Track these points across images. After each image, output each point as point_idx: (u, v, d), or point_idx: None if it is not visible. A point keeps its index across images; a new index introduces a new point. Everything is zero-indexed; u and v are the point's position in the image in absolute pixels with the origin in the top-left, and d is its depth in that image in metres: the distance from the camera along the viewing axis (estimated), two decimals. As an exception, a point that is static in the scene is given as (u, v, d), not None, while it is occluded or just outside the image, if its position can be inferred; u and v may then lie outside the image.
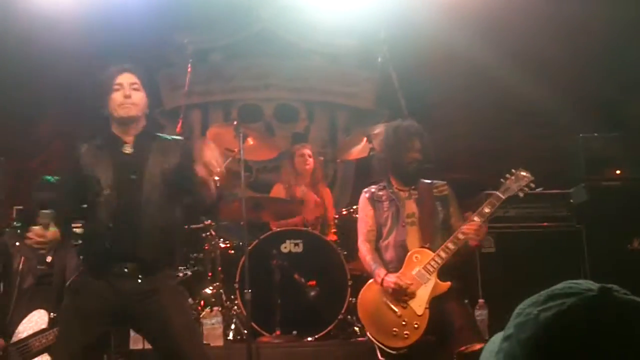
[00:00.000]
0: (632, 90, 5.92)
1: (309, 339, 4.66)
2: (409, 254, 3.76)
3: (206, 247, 5.13)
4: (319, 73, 7.13)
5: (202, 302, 4.88)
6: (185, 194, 3.26)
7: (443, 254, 3.66)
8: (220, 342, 4.46)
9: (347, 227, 5.18)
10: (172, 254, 3.25)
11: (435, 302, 3.64)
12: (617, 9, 5.84)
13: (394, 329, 3.62)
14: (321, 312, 4.74)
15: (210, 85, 7.04)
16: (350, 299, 4.80)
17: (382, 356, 3.68)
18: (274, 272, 4.77)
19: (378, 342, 3.68)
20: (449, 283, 3.67)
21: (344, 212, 5.29)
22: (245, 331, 4.48)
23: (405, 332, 3.61)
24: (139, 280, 3.04)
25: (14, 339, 3.82)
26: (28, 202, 5.12)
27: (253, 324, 4.42)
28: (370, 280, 3.85)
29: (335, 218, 5.33)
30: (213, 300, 4.88)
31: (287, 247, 4.93)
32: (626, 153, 5.40)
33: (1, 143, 5.81)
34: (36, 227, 3.04)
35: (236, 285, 4.74)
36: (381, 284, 3.72)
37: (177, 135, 3.65)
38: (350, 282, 4.79)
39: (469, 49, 6.19)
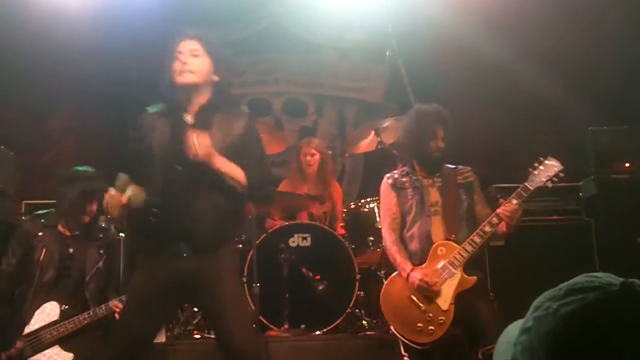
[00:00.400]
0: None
1: (317, 332, 4.67)
2: (433, 246, 3.64)
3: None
4: (328, 67, 7.14)
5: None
6: (246, 170, 3.09)
7: (469, 247, 3.55)
8: (228, 336, 4.45)
9: (356, 221, 5.20)
10: (228, 232, 3.17)
11: (461, 297, 3.54)
12: (627, 1, 5.79)
13: (419, 324, 3.53)
14: (329, 305, 4.75)
15: (219, 80, 7.05)
16: (359, 292, 4.81)
17: (405, 351, 3.60)
18: (282, 266, 4.78)
19: (402, 337, 3.59)
20: (475, 277, 3.57)
21: (352, 206, 5.29)
22: (254, 325, 4.50)
23: (430, 328, 3.51)
24: (196, 257, 3.02)
25: (26, 330, 3.83)
26: (45, 196, 5.15)
27: (261, 317, 4.44)
28: (393, 274, 3.74)
29: (344, 212, 5.33)
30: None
31: (296, 241, 4.94)
32: (635, 146, 5.36)
33: (12, 138, 5.83)
34: (112, 190, 3.02)
35: (244, 280, 4.75)
36: (406, 279, 3.61)
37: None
38: (358, 276, 4.79)
39: (478, 43, 6.16)
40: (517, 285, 4.60)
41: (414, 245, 3.74)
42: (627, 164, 5.31)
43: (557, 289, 1.00)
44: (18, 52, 6.13)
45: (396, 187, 3.87)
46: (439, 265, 3.59)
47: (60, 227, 4.10)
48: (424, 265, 3.63)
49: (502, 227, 3.61)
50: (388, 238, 3.82)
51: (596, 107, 5.91)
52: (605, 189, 5.12)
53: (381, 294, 3.76)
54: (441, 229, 3.70)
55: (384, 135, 5.28)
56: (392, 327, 3.67)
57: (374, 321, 4.86)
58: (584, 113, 5.88)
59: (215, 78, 3.14)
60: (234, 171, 3.06)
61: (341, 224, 5.31)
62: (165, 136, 3.09)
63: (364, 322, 4.85)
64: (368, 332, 4.71)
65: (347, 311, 4.73)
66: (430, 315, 3.55)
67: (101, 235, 4.21)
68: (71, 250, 4.07)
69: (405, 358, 3.62)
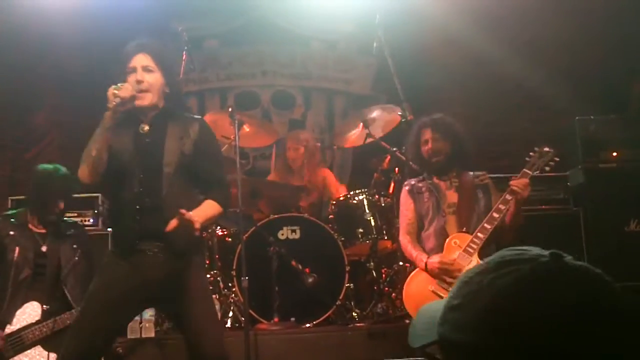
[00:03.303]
0: (632, 72, 5.90)
1: (307, 325, 4.67)
2: (447, 239, 3.82)
3: (203, 235, 5.12)
4: (315, 59, 7.11)
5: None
6: (203, 174, 3.18)
7: (481, 235, 3.70)
8: (218, 330, 4.44)
9: (345, 213, 5.18)
10: (193, 235, 3.10)
11: None
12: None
13: None
14: (319, 298, 4.75)
15: (206, 73, 7.01)
16: (348, 284, 4.81)
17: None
18: (272, 259, 4.77)
19: None
20: None
21: (341, 198, 5.28)
22: (243, 318, 4.49)
23: None
24: (166, 261, 3.03)
25: (7, 331, 3.80)
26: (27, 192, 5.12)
27: (251, 311, 4.43)
28: (412, 273, 3.90)
29: (332, 203, 5.31)
30: (210, 288, 4.87)
31: (285, 233, 4.93)
32: (622, 135, 5.39)
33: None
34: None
35: (233, 273, 4.75)
36: (425, 269, 3.78)
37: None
38: (348, 268, 4.79)
39: (465, 34, 6.15)
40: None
41: (430, 243, 3.93)
42: (614, 153, 5.33)
43: (485, 263, 1.00)
44: (1, 47, 6.07)
45: (413, 192, 4.09)
46: (455, 255, 3.73)
47: (31, 226, 4.08)
48: (441, 254, 3.80)
49: (509, 214, 3.76)
50: (403, 240, 4.06)
51: (585, 97, 5.93)
52: (593, 178, 5.15)
53: (403, 294, 3.90)
54: (455, 225, 3.89)
55: (373, 128, 5.27)
56: None
57: (364, 313, 4.87)
58: (571, 102, 5.90)
59: (167, 90, 3.18)
60: (212, 212, 3.13)
61: (330, 216, 5.28)
62: (127, 145, 3.11)
63: (354, 313, 4.85)
64: (358, 324, 4.70)
65: (337, 303, 4.73)
66: None
67: (72, 230, 4.19)
68: (44, 248, 4.05)
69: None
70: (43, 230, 4.10)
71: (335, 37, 7.08)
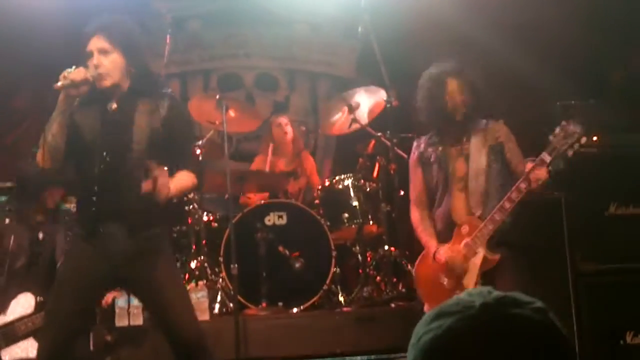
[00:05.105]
0: (612, 56, 5.96)
1: (295, 310, 4.72)
2: (457, 226, 3.47)
3: (189, 221, 5.14)
4: (299, 41, 7.08)
5: (186, 276, 4.90)
6: (174, 149, 3.14)
7: (490, 226, 3.36)
8: (206, 316, 4.49)
9: (331, 198, 5.23)
10: (161, 214, 3.14)
11: (488, 276, 3.39)
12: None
13: None
14: (306, 283, 4.81)
15: (189, 54, 6.95)
16: (334, 269, 4.87)
17: None
18: (259, 245, 4.81)
19: None
20: (497, 256, 3.40)
21: (327, 184, 5.31)
22: (232, 304, 4.53)
23: None
24: (127, 241, 3.02)
25: (0, 322, 3.80)
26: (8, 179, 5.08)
27: (239, 296, 4.47)
28: (422, 253, 3.59)
29: (318, 189, 5.34)
30: (197, 274, 4.90)
31: (271, 219, 4.95)
32: (603, 120, 5.45)
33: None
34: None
35: (221, 259, 4.77)
36: (433, 259, 3.49)
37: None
38: (334, 253, 4.84)
39: (451, 17, 6.16)
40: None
41: (439, 226, 3.58)
42: (594, 138, 5.39)
43: (429, 314, 0.98)
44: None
45: (422, 161, 3.63)
46: (462, 245, 3.43)
47: (26, 214, 4.06)
48: (448, 245, 3.49)
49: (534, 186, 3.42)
50: (414, 215, 3.66)
51: (569, 81, 5.98)
52: (574, 164, 5.19)
53: (414, 274, 3.67)
54: (464, 205, 3.49)
55: (357, 113, 5.28)
56: (425, 307, 3.51)
57: (350, 297, 4.93)
58: (554, 86, 5.95)
59: (132, 69, 3.11)
60: (187, 183, 3.14)
61: (316, 202, 5.32)
62: (94, 125, 3.07)
63: (341, 298, 4.91)
64: (345, 309, 4.77)
65: (323, 288, 4.78)
66: (457, 294, 3.50)
67: (67, 218, 4.17)
68: (40, 236, 4.03)
69: None
70: (40, 219, 4.08)
71: (319, 20, 7.05)
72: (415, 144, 3.72)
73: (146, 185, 2.91)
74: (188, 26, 6.95)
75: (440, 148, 3.58)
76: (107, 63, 3.03)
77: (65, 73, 2.93)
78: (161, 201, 2.95)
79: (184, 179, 3.12)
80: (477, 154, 3.52)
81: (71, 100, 3.00)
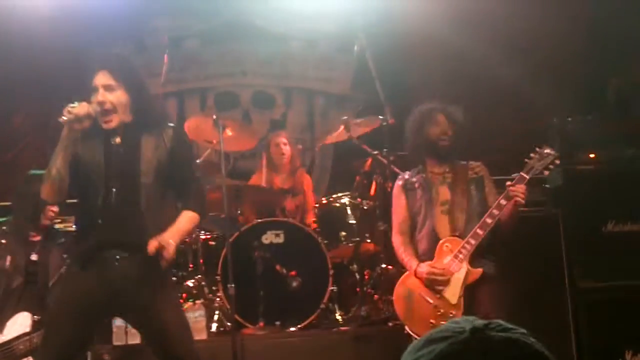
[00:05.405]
0: (609, 72, 5.99)
1: (292, 329, 4.70)
2: (439, 243, 3.71)
3: (187, 240, 5.12)
4: (295, 59, 7.11)
5: (184, 295, 4.88)
6: (179, 180, 3.25)
7: (472, 241, 3.61)
8: (203, 336, 4.47)
9: (328, 216, 5.22)
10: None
11: (470, 290, 3.62)
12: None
13: (431, 320, 3.59)
14: (304, 302, 4.78)
15: (185, 73, 6.98)
16: (332, 287, 4.85)
17: None
18: (256, 264, 4.79)
19: (416, 335, 3.64)
20: (480, 270, 3.64)
21: (324, 201, 5.31)
22: (229, 323, 4.51)
23: (441, 323, 3.52)
24: (123, 266, 3.05)
25: (-2, 342, 3.79)
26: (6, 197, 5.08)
27: (236, 316, 4.45)
28: (404, 275, 3.83)
29: (315, 207, 5.34)
30: (195, 292, 4.88)
31: (269, 238, 4.93)
32: (600, 136, 5.46)
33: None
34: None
35: (218, 278, 4.76)
36: (415, 275, 3.71)
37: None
38: (331, 271, 4.82)
39: (445, 34, 6.20)
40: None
41: (422, 246, 3.82)
42: (591, 155, 5.40)
43: (418, 340, 0.99)
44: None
45: (406, 188, 3.93)
46: (445, 261, 3.65)
47: (22, 233, 4.06)
48: (430, 262, 3.71)
49: (505, 216, 3.65)
50: (396, 240, 3.92)
51: (565, 97, 6.01)
52: (571, 180, 5.20)
53: (393, 295, 3.85)
54: (447, 226, 3.75)
55: (353, 129, 5.29)
56: (406, 328, 3.72)
57: (348, 315, 4.91)
58: (550, 102, 5.97)
59: (134, 105, 3.17)
60: (188, 227, 3.25)
61: (313, 219, 5.32)
62: (97, 158, 3.12)
63: (338, 317, 4.89)
64: (342, 327, 4.75)
65: (321, 307, 4.76)
66: (441, 310, 3.63)
67: (63, 239, 4.17)
68: (34, 256, 4.03)
69: None
70: (37, 238, 4.08)
71: (315, 37, 7.08)
72: (399, 176, 4.05)
73: (152, 246, 2.99)
74: (185, 45, 6.99)
75: (424, 175, 3.90)
76: (112, 99, 3.10)
77: (69, 108, 2.98)
78: (165, 264, 3.05)
79: (184, 225, 3.19)
80: (460, 182, 3.84)
81: (74, 135, 3.04)
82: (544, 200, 5.26)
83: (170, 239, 3.04)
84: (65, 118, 2.96)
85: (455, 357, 0.92)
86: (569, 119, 5.53)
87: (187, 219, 3.20)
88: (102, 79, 3.10)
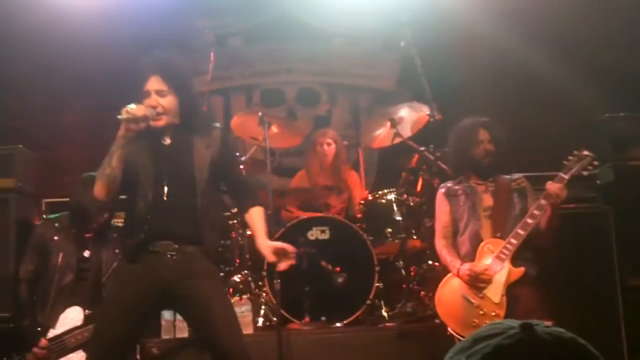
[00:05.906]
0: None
1: (338, 324, 4.71)
2: (480, 245, 3.80)
3: (233, 235, 5.17)
4: (340, 55, 7.10)
5: (230, 290, 4.93)
6: (233, 180, 3.43)
7: (514, 240, 3.68)
8: (250, 330, 4.51)
9: (373, 213, 5.21)
10: (209, 234, 3.25)
11: (511, 289, 3.68)
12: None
13: (474, 320, 3.64)
14: (349, 298, 4.78)
15: (231, 71, 7.03)
16: (378, 283, 4.84)
17: None
18: (302, 260, 4.79)
19: (459, 335, 3.69)
20: (522, 269, 3.70)
21: (370, 198, 5.30)
22: (275, 318, 4.54)
23: (485, 322, 3.56)
24: (174, 258, 3.11)
25: (49, 335, 3.87)
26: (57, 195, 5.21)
27: (282, 311, 4.47)
28: (446, 277, 3.90)
29: (361, 203, 5.33)
30: (241, 287, 4.93)
31: (314, 234, 4.96)
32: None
33: (25, 134, 5.85)
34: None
35: (264, 273, 4.79)
36: (457, 275, 3.79)
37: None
38: (377, 268, 4.81)
39: (491, 31, 6.14)
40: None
41: (465, 248, 3.90)
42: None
43: (465, 341, 1.02)
44: (29, 48, 6.15)
45: (449, 195, 4.05)
46: (487, 262, 3.72)
47: (75, 230, 4.14)
48: (472, 262, 3.78)
49: (545, 218, 3.72)
50: (439, 244, 4.02)
51: (613, 93, 5.88)
52: (623, 176, 5.10)
53: (435, 297, 3.91)
54: (490, 229, 3.85)
55: (400, 127, 5.27)
56: (449, 328, 3.77)
57: (394, 312, 4.90)
58: (600, 99, 5.85)
59: (183, 109, 3.26)
60: (264, 220, 3.42)
61: (359, 215, 5.31)
62: (148, 158, 3.20)
63: (384, 313, 4.88)
64: (388, 324, 4.74)
65: (366, 303, 4.76)
66: (484, 309, 3.67)
67: (116, 235, 4.24)
68: (87, 252, 4.11)
69: None
70: (89, 234, 4.16)
71: (359, 33, 7.06)
72: (442, 185, 4.18)
73: (271, 257, 3.30)
74: (230, 43, 7.05)
75: (467, 184, 4.02)
76: (164, 103, 3.20)
77: (127, 108, 3.06)
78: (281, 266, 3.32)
79: (262, 220, 3.38)
80: (503, 191, 3.93)
81: (130, 135, 3.12)
82: (595, 197, 5.17)
83: (269, 241, 3.33)
84: (123, 117, 3.03)
85: (514, 348, 0.95)
86: (621, 114, 5.42)
87: (259, 216, 3.37)
88: (154, 84, 3.20)
